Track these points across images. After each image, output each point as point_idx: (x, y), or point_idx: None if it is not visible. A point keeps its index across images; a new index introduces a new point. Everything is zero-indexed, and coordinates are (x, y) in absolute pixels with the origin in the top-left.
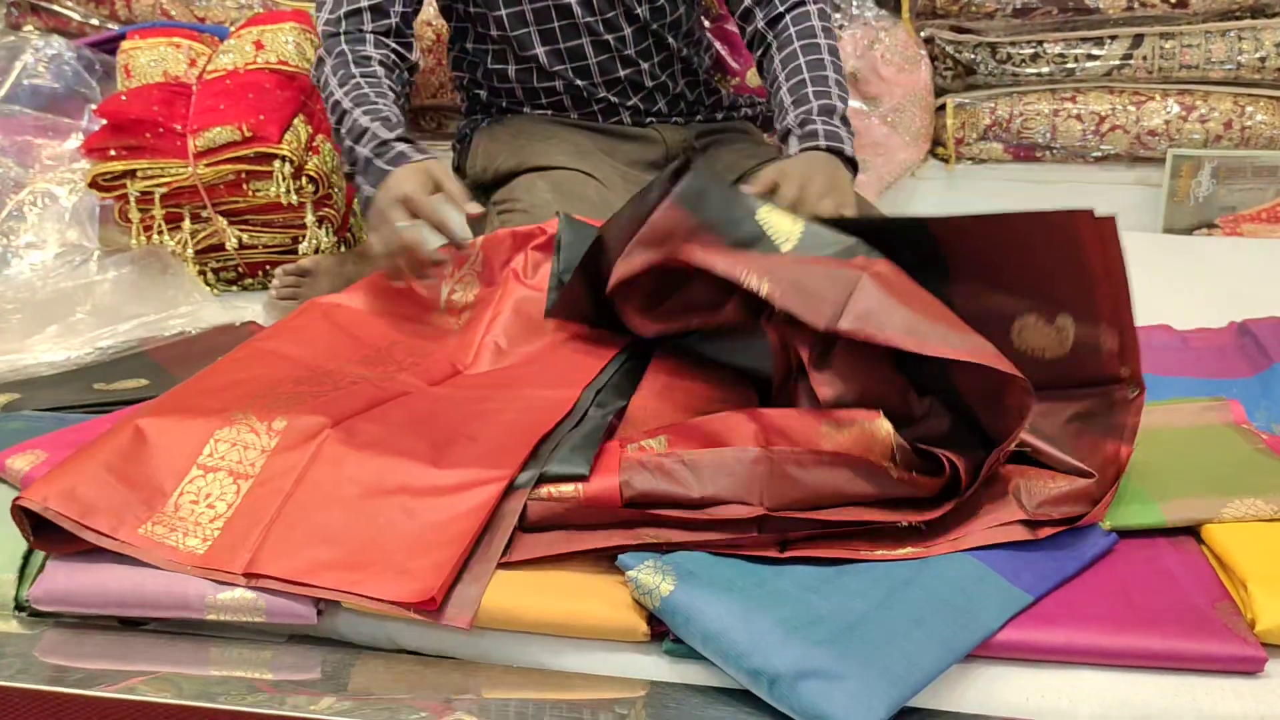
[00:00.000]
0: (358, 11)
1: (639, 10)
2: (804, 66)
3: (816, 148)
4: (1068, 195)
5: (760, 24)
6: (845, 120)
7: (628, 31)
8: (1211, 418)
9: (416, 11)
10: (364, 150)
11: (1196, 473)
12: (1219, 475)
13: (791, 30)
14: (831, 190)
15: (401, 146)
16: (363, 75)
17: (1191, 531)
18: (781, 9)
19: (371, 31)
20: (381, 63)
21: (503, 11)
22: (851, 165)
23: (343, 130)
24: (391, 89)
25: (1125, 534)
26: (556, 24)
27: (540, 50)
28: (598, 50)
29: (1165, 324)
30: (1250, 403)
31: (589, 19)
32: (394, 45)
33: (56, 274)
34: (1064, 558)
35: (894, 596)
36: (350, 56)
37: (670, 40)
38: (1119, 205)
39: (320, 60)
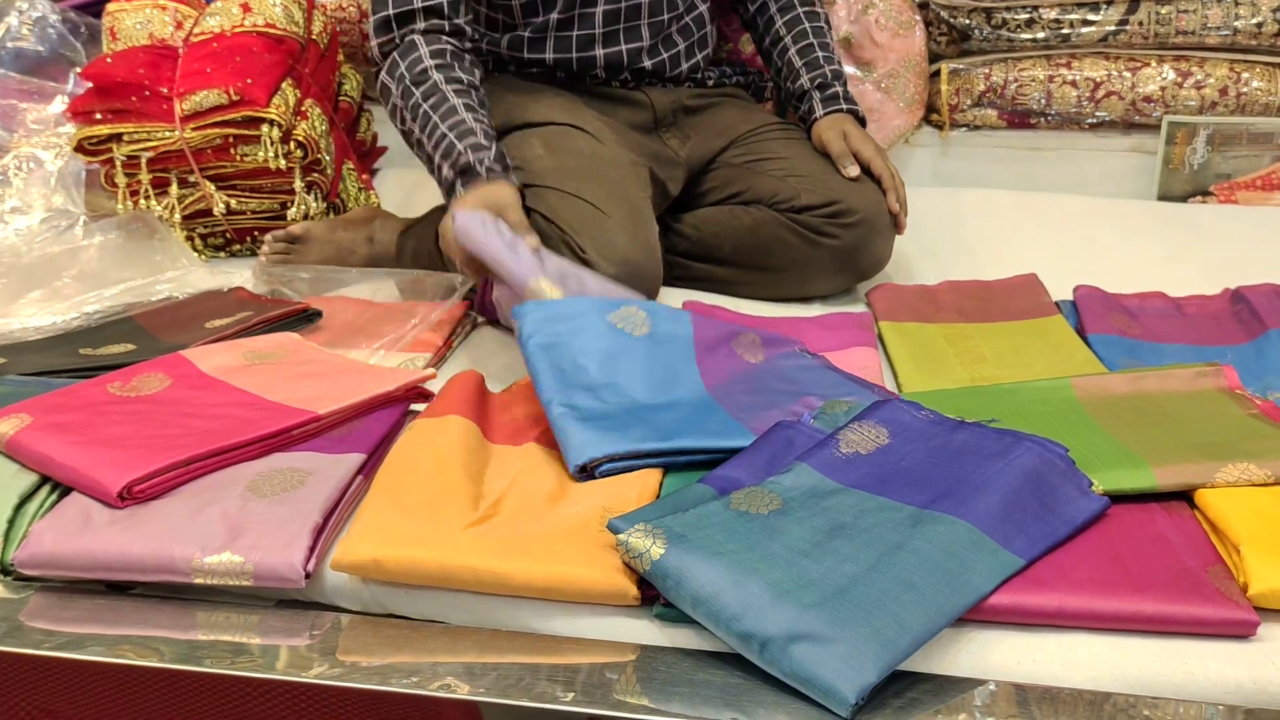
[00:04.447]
0: (410, 14)
1: None
2: (809, 31)
3: (840, 110)
4: (1062, 161)
5: None
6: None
7: (645, 18)
8: (1205, 383)
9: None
10: (447, 171)
11: (1190, 438)
12: (1212, 440)
13: None
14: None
15: (472, 161)
16: (430, 82)
17: (1184, 496)
18: None
19: (425, 31)
20: (448, 56)
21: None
22: (862, 121)
23: (429, 144)
24: (464, 82)
25: (1118, 498)
26: (576, 11)
27: (553, 15)
28: (607, 30)
29: (1160, 291)
30: (1244, 369)
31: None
32: (455, 29)
33: (42, 239)
34: (1056, 521)
35: (885, 560)
36: (415, 65)
37: (681, 10)
38: (1114, 172)
39: (386, 70)
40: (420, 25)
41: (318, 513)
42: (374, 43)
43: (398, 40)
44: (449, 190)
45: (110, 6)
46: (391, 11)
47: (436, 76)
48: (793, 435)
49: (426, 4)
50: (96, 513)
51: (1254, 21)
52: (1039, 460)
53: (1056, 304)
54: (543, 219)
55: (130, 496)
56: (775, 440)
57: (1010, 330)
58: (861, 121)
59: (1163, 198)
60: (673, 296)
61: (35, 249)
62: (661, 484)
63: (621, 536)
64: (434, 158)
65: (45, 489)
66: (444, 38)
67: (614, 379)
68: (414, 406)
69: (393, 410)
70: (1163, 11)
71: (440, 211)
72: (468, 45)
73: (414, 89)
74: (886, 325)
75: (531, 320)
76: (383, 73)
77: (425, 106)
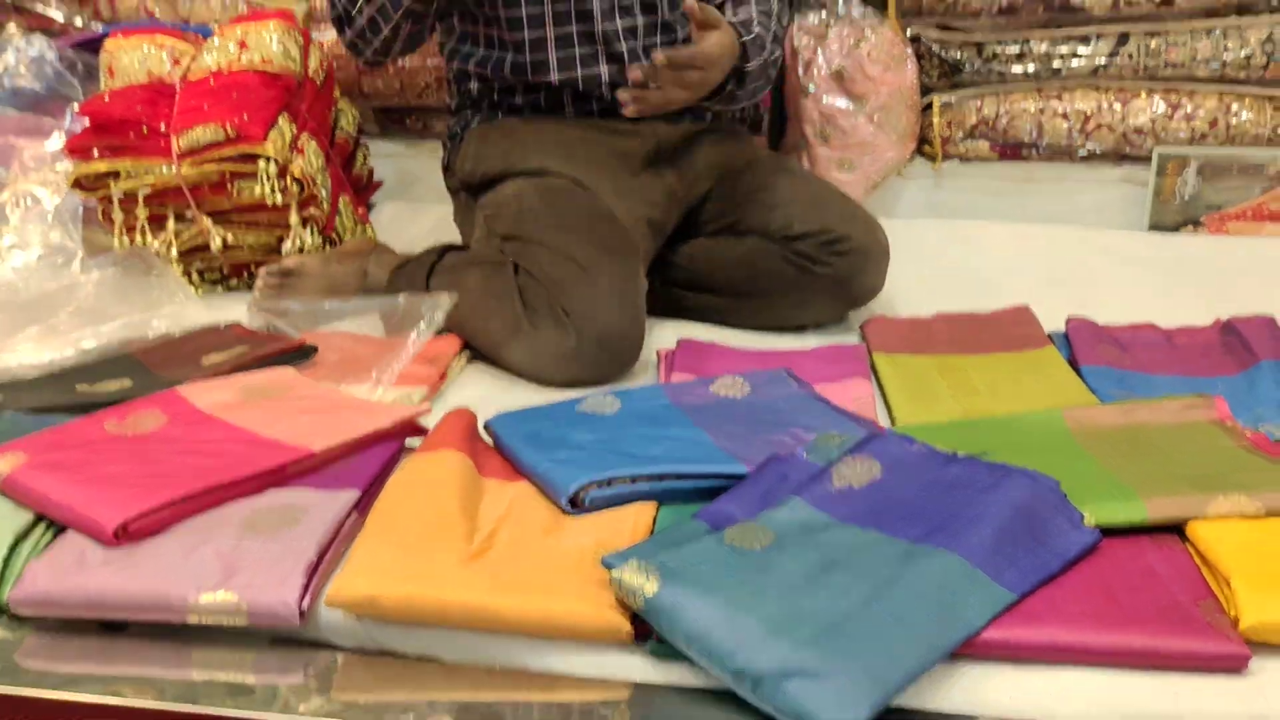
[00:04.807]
0: None
1: (660, 8)
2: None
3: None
4: (1054, 193)
5: None
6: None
7: (641, 36)
8: (1196, 415)
9: None
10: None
11: (1181, 470)
12: (1203, 472)
13: None
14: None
15: None
16: None
17: (1175, 529)
18: None
19: None
20: None
21: (522, 12)
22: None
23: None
24: None
25: (1109, 531)
26: (575, 28)
27: (552, 55)
28: (610, 57)
29: (1151, 322)
30: (1235, 400)
31: (608, 26)
32: None
33: (40, 275)
34: (1047, 555)
35: (878, 595)
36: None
37: (678, 37)
38: (1105, 202)
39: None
40: None
41: (312, 550)
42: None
43: None
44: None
45: (108, 44)
46: None
47: None
48: (786, 469)
49: None
50: (91, 551)
51: (1243, 54)
52: (1031, 493)
53: (1049, 335)
54: (529, 276)
55: (125, 535)
56: (769, 474)
57: (1003, 362)
58: (746, 49)
59: (1154, 228)
60: (667, 328)
61: (32, 286)
62: (655, 519)
63: (615, 573)
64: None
65: (40, 528)
66: None
67: (596, 438)
68: (409, 442)
69: (388, 446)
70: (1152, 44)
71: (432, 253)
72: None
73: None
74: (880, 356)
75: (505, 425)
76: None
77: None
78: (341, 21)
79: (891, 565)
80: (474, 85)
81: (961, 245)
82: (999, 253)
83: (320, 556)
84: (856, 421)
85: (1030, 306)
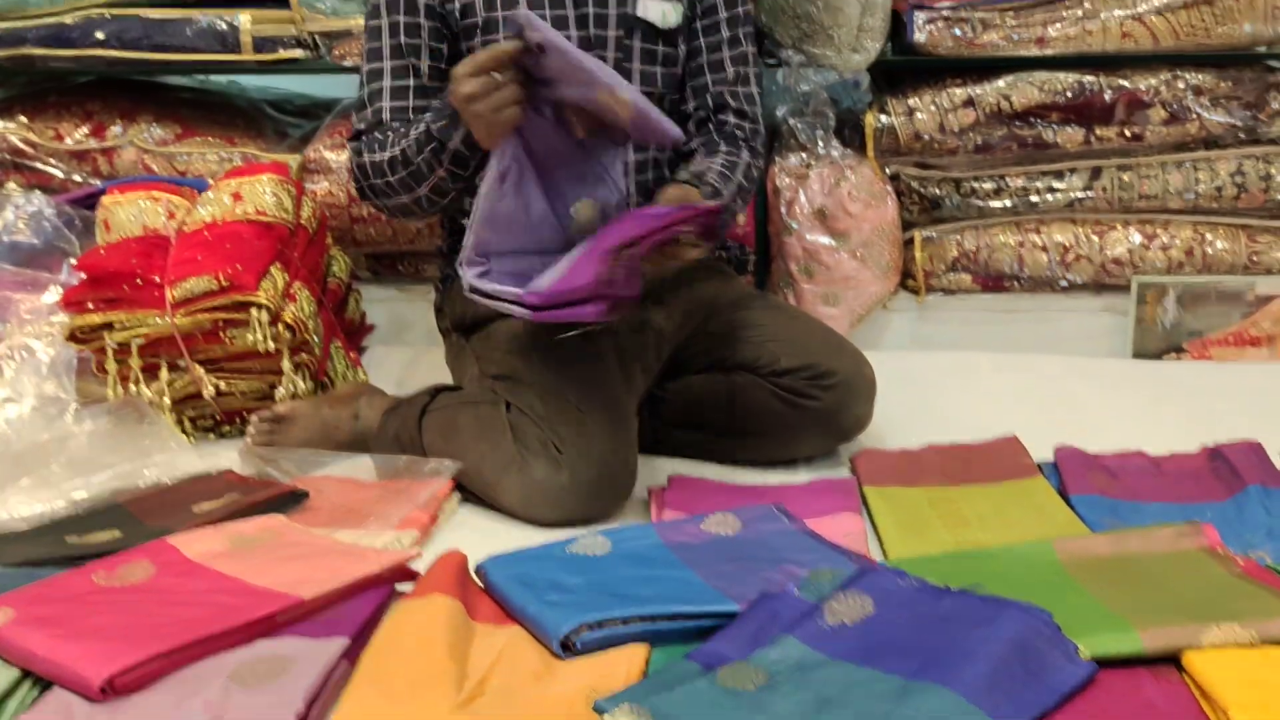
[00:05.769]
0: (376, 126)
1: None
2: (719, 155)
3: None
4: (1037, 322)
5: (706, 115)
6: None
7: (632, 173)
8: (1187, 543)
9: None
10: (427, 149)
11: (1174, 599)
12: (1197, 601)
13: (722, 145)
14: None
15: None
16: (390, 135)
17: (1172, 659)
18: (724, 130)
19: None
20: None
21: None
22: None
23: (412, 165)
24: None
25: (1105, 663)
26: None
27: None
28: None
29: (1139, 449)
30: (1225, 527)
31: None
32: None
33: (33, 427)
34: (1043, 689)
35: None
36: (371, 158)
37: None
38: (1088, 331)
39: (359, 179)
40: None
41: (300, 701)
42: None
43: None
44: (438, 151)
45: (105, 199)
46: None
47: (378, 157)
48: (778, 607)
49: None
50: (78, 707)
51: (1214, 185)
52: (1025, 626)
53: (1038, 465)
54: (521, 414)
55: (112, 689)
56: (761, 612)
57: (993, 493)
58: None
59: (1138, 355)
60: (657, 465)
61: (25, 437)
62: (648, 660)
63: (607, 717)
64: (421, 154)
65: (27, 684)
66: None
67: (587, 579)
68: (399, 587)
69: (378, 591)
70: (1125, 177)
71: (424, 394)
72: None
73: (386, 185)
74: (871, 490)
75: (496, 568)
76: (368, 200)
77: (395, 152)
78: (374, 191)
79: (887, 702)
80: (467, 222)
81: (948, 376)
82: (985, 383)
83: (309, 706)
84: (848, 556)
85: (1018, 436)
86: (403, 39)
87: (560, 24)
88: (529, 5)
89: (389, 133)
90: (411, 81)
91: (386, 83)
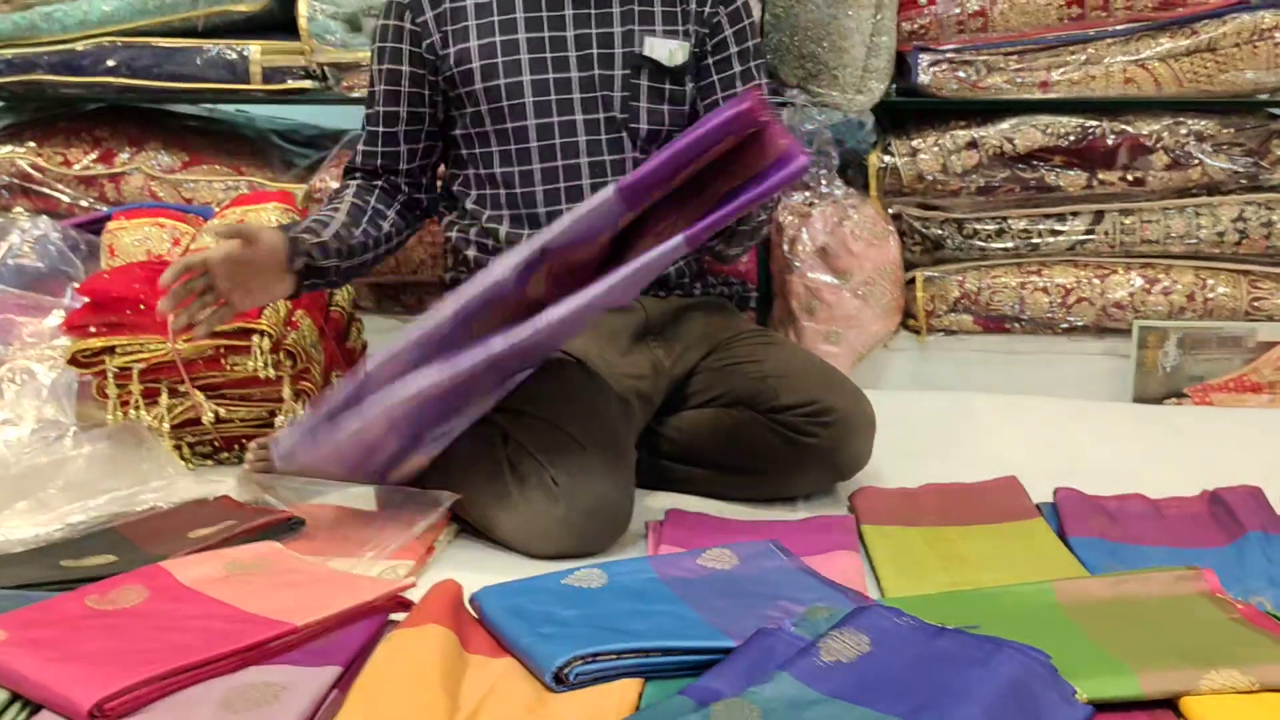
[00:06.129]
0: (370, 168)
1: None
2: None
3: None
4: (1038, 364)
5: None
6: None
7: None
8: (1186, 587)
9: (426, 165)
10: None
11: (1173, 643)
12: (1195, 646)
13: None
14: None
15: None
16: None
17: (1170, 704)
18: None
19: (379, 184)
20: (356, 198)
21: (516, 191)
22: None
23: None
24: (344, 209)
25: (1102, 706)
26: (562, 184)
27: (542, 211)
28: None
29: (1139, 493)
30: (1225, 572)
31: (595, 180)
32: (397, 185)
33: (31, 450)
34: None
35: None
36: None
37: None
38: (1089, 374)
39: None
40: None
41: None
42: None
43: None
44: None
45: (111, 224)
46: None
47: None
48: (773, 643)
49: (370, 165)
50: None
51: (1215, 231)
52: (1022, 668)
53: (1037, 506)
54: (519, 446)
55: (101, 714)
56: (755, 649)
57: (991, 533)
58: None
59: (1139, 399)
60: (656, 500)
61: (23, 460)
62: (641, 695)
63: None
64: None
65: (15, 707)
66: (375, 182)
67: (581, 612)
68: (393, 616)
69: (372, 621)
70: (1126, 222)
71: None
72: (399, 194)
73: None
74: (869, 528)
75: (490, 599)
76: None
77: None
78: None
79: None
80: (471, 253)
81: (948, 416)
82: (985, 424)
83: None
84: (845, 594)
85: (1018, 477)
86: (389, 85)
87: (559, 66)
88: (526, 47)
89: (343, 189)
90: (381, 129)
91: (378, 128)
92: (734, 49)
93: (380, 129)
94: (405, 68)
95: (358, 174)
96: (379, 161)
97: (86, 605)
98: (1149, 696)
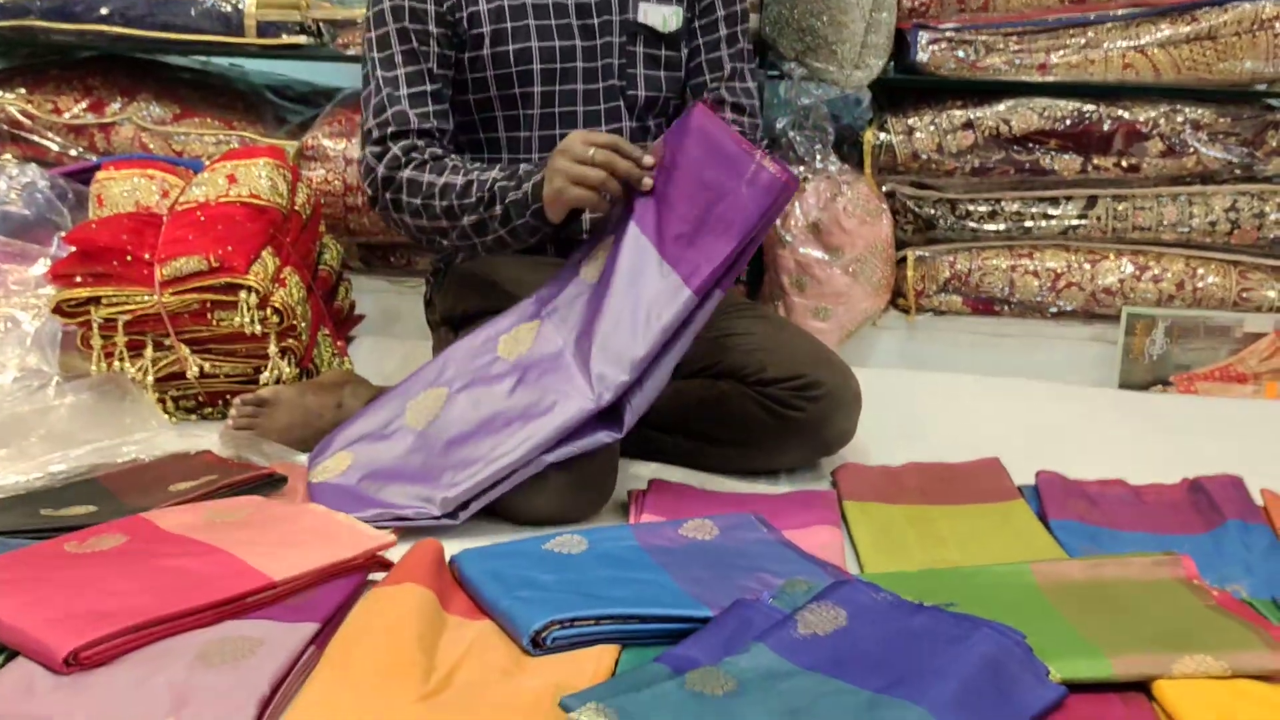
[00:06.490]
0: (403, 133)
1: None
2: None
3: None
4: (1025, 347)
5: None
6: None
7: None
8: (1163, 573)
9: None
10: (498, 205)
11: (1147, 628)
12: (1170, 631)
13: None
14: None
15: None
16: (438, 176)
17: (1142, 687)
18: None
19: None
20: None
21: (504, 155)
22: None
23: (468, 219)
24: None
25: (1075, 687)
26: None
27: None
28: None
29: (1120, 478)
30: (1202, 559)
31: None
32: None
33: (13, 398)
34: (1012, 710)
35: None
36: (417, 175)
37: None
38: (1076, 359)
39: (382, 187)
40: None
41: (265, 684)
42: (366, 151)
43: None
44: (512, 205)
45: (99, 174)
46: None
47: (431, 178)
48: (751, 614)
49: (426, 125)
50: (40, 679)
51: (1208, 220)
52: (997, 647)
53: (1019, 488)
54: None
55: (76, 663)
56: (733, 619)
57: (972, 514)
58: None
59: (1124, 386)
60: (640, 469)
61: (5, 408)
62: (618, 661)
63: (573, 715)
64: (486, 220)
65: None
66: (417, 152)
67: (560, 577)
68: (373, 576)
69: (350, 579)
70: (1119, 208)
71: None
72: (438, 145)
73: (424, 204)
74: (850, 504)
75: (470, 561)
76: (385, 209)
77: (444, 205)
78: (397, 205)
79: (854, 716)
80: None
81: (934, 396)
82: (970, 404)
83: (274, 690)
84: (824, 568)
85: (1000, 459)
86: (415, 45)
87: (564, 33)
88: (533, 13)
89: (443, 156)
90: (429, 87)
91: (403, 90)
92: (721, 12)
93: (407, 90)
94: (432, 28)
95: (412, 136)
96: (417, 124)
97: (65, 550)
98: (1122, 678)
